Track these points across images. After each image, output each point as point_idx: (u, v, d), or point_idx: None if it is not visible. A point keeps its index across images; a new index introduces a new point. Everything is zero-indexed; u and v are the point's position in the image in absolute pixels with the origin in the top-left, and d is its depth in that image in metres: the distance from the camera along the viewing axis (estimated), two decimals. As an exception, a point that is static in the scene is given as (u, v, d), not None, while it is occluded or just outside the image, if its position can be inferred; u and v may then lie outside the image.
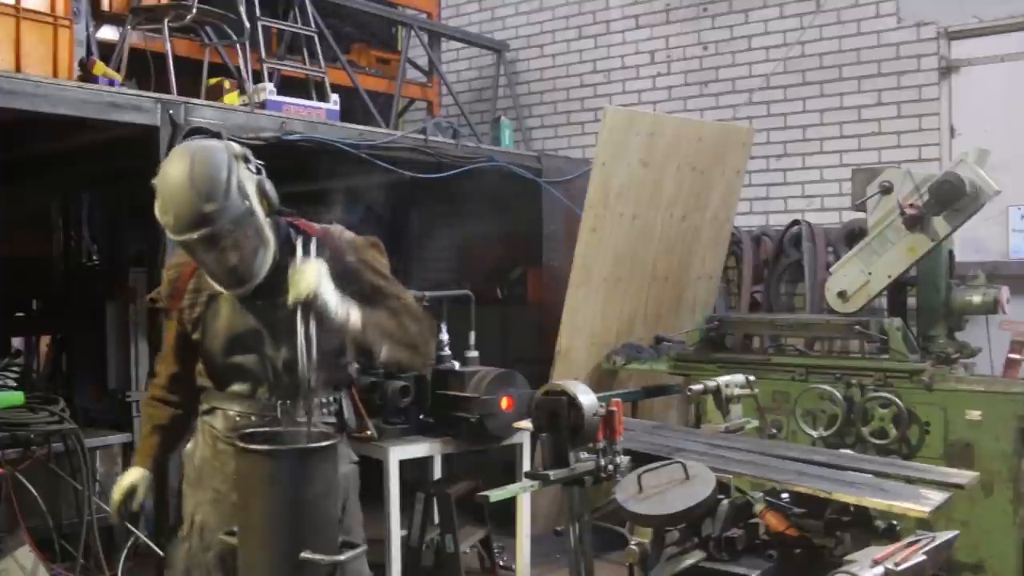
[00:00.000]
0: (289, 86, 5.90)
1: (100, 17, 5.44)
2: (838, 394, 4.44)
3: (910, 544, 2.23)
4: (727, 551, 2.50)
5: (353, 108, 6.32)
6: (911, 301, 4.98)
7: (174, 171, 2.44)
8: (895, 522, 2.54)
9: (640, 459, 2.72)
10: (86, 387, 5.50)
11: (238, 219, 2.47)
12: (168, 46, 5.10)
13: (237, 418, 2.68)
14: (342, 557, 2.13)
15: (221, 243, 2.47)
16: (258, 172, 2.58)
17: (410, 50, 7.48)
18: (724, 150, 6.03)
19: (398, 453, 4.39)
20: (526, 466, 4.67)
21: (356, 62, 7.13)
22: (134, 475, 2.80)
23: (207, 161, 2.45)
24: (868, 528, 2.53)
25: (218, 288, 2.65)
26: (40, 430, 4.14)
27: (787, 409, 4.61)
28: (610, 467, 2.61)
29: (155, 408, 2.88)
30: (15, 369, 5.51)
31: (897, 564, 2.12)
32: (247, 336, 2.69)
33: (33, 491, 4.05)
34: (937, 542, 2.26)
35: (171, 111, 4.22)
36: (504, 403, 4.45)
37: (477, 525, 4.99)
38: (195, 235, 2.43)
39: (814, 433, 4.47)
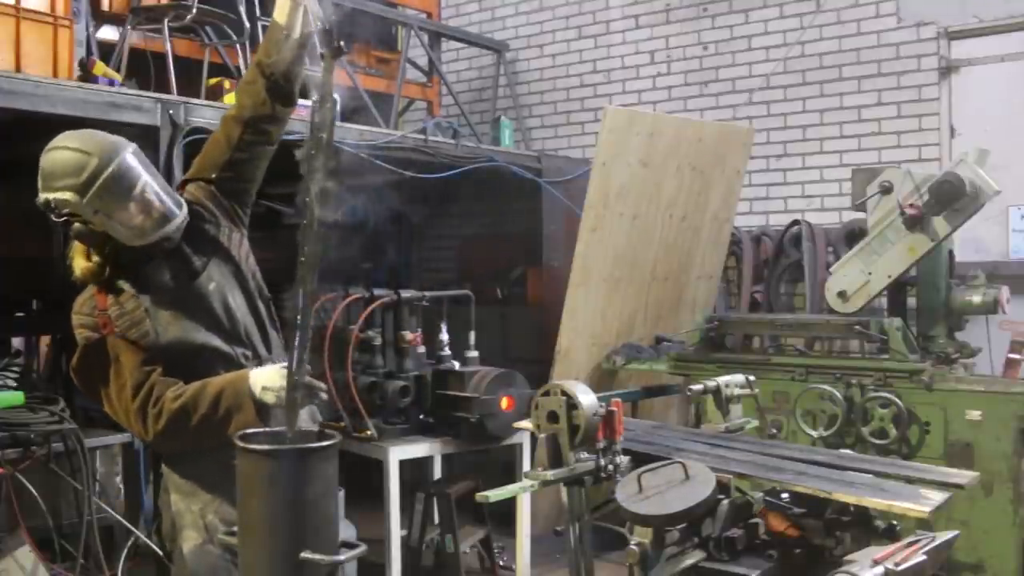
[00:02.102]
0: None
1: (100, 17, 5.43)
2: (838, 394, 4.44)
3: (910, 544, 2.23)
4: (727, 551, 2.50)
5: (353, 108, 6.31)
6: (911, 301, 4.98)
7: (57, 146, 2.60)
8: (895, 522, 2.55)
9: (640, 459, 2.72)
10: (86, 387, 5.49)
11: (126, 162, 2.56)
12: (168, 46, 5.10)
13: None
14: (342, 557, 2.13)
15: (126, 184, 2.53)
16: None
17: (410, 50, 7.48)
18: (724, 150, 6.04)
19: (398, 453, 4.39)
20: (526, 466, 4.67)
21: (356, 62, 7.12)
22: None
23: (74, 136, 2.61)
24: (868, 528, 2.53)
25: (141, 299, 2.62)
26: (40, 430, 4.14)
27: (787, 409, 4.62)
28: (610, 467, 2.61)
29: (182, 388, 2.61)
30: (15, 369, 5.50)
31: (897, 564, 2.12)
32: (202, 318, 2.69)
33: (33, 491, 4.05)
34: (937, 542, 2.26)
35: (171, 111, 4.22)
36: (504, 403, 4.46)
37: (477, 525, 4.99)
38: (122, 152, 2.54)
39: (814, 433, 4.47)
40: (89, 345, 2.62)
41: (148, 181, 2.61)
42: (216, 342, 2.70)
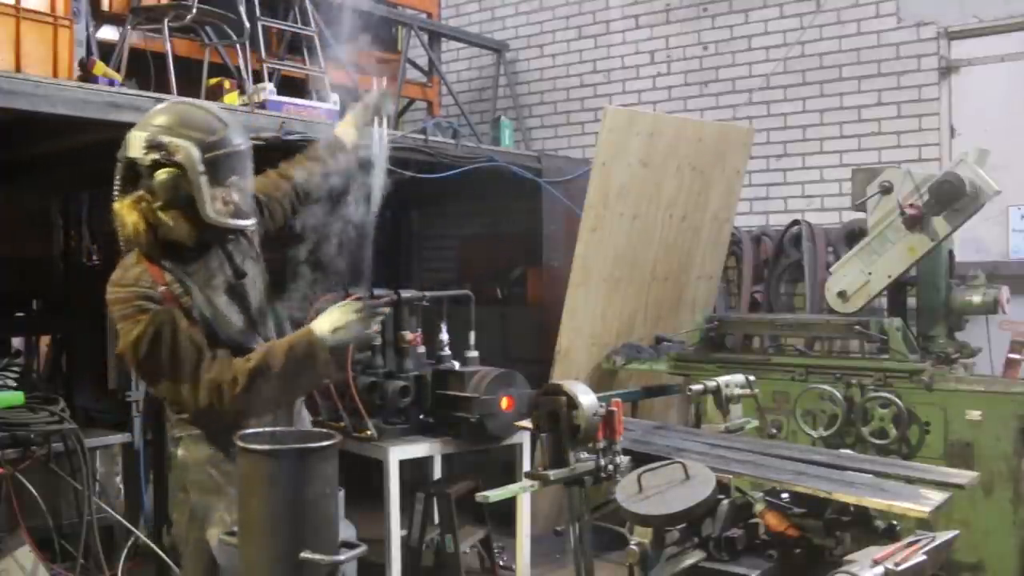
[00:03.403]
0: (289, 86, 5.90)
1: (100, 17, 5.44)
2: (838, 394, 4.44)
3: (910, 544, 2.23)
4: (727, 551, 2.50)
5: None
6: (911, 301, 4.98)
7: (197, 105, 2.80)
8: (895, 522, 2.54)
9: (640, 459, 2.72)
10: (86, 387, 5.49)
11: (248, 151, 2.76)
12: (168, 46, 5.10)
13: None
14: (342, 557, 2.13)
15: (251, 161, 2.71)
16: None
17: (410, 50, 7.48)
18: (724, 150, 6.04)
19: (398, 453, 4.39)
20: (526, 466, 4.67)
21: (356, 62, 7.11)
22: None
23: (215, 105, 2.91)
24: (868, 528, 2.53)
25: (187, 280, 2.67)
26: (40, 430, 4.14)
27: (787, 409, 4.61)
28: (610, 467, 2.61)
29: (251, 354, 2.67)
30: (15, 369, 5.51)
31: (897, 564, 2.12)
32: (234, 315, 2.77)
33: (33, 491, 4.05)
34: (937, 542, 2.26)
35: (171, 111, 4.21)
36: (504, 403, 4.45)
37: (477, 525, 4.99)
38: (248, 143, 2.68)
39: (814, 433, 4.47)
40: (157, 316, 2.57)
41: (251, 178, 2.77)
42: (240, 339, 2.77)
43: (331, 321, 2.65)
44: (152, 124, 2.65)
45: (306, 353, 2.62)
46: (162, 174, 2.60)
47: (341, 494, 4.38)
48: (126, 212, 2.64)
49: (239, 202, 2.70)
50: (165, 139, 2.60)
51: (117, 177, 2.68)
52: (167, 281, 2.64)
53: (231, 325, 2.75)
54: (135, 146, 2.63)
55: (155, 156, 2.59)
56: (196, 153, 2.60)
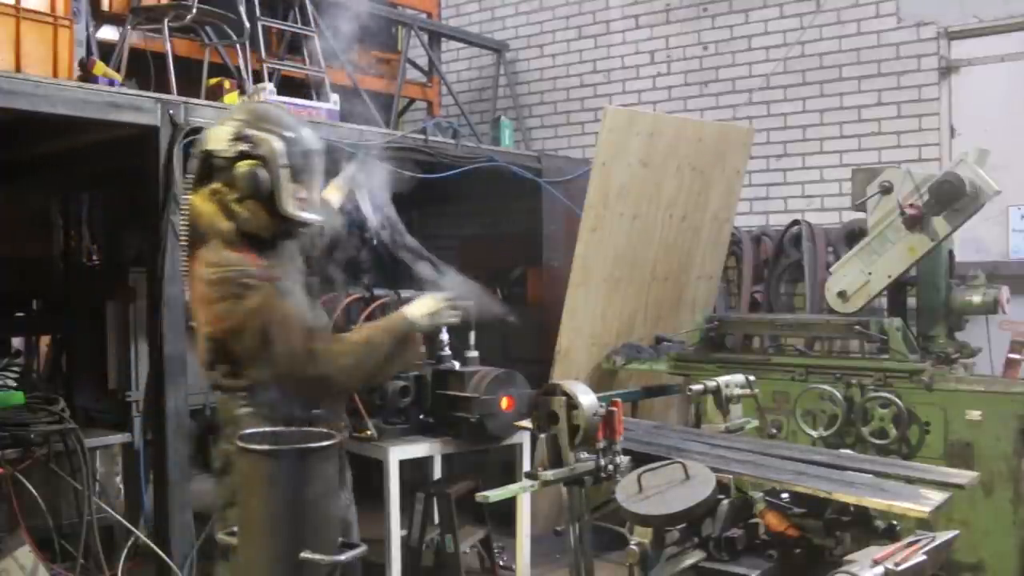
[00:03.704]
0: (289, 86, 5.90)
1: (100, 17, 5.43)
2: (838, 394, 4.44)
3: (910, 544, 2.23)
4: (727, 551, 2.50)
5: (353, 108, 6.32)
6: (911, 301, 4.98)
7: (277, 105, 3.05)
8: (895, 522, 2.54)
9: (640, 459, 2.72)
10: (86, 387, 5.49)
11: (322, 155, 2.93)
12: (168, 46, 5.10)
13: None
14: (342, 557, 2.13)
15: (316, 164, 2.86)
16: None
17: (410, 50, 7.48)
18: (724, 150, 6.03)
19: (398, 453, 4.38)
20: (526, 466, 4.67)
21: (356, 62, 7.12)
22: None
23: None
24: (868, 528, 2.53)
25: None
26: (40, 430, 4.14)
27: (787, 409, 4.61)
28: (610, 467, 2.61)
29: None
30: (15, 369, 5.51)
31: (897, 564, 2.12)
32: (311, 293, 2.97)
33: (33, 491, 4.05)
34: (937, 542, 2.26)
35: (171, 111, 4.22)
36: (504, 403, 4.45)
37: (477, 525, 4.99)
38: (321, 145, 2.85)
39: (814, 433, 4.47)
40: (264, 289, 2.65)
41: (321, 177, 2.92)
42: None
43: (423, 308, 2.88)
44: (237, 119, 2.78)
45: (404, 334, 2.83)
46: (244, 166, 2.71)
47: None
48: (202, 203, 2.75)
49: (311, 198, 2.82)
50: (251, 132, 2.72)
51: (191, 171, 2.80)
52: (262, 264, 2.72)
53: (305, 313, 2.84)
54: (218, 139, 2.75)
55: (240, 148, 2.71)
56: (279, 147, 2.72)
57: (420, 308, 2.89)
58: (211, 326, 2.69)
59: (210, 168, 2.75)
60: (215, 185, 2.74)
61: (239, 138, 2.72)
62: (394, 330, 2.82)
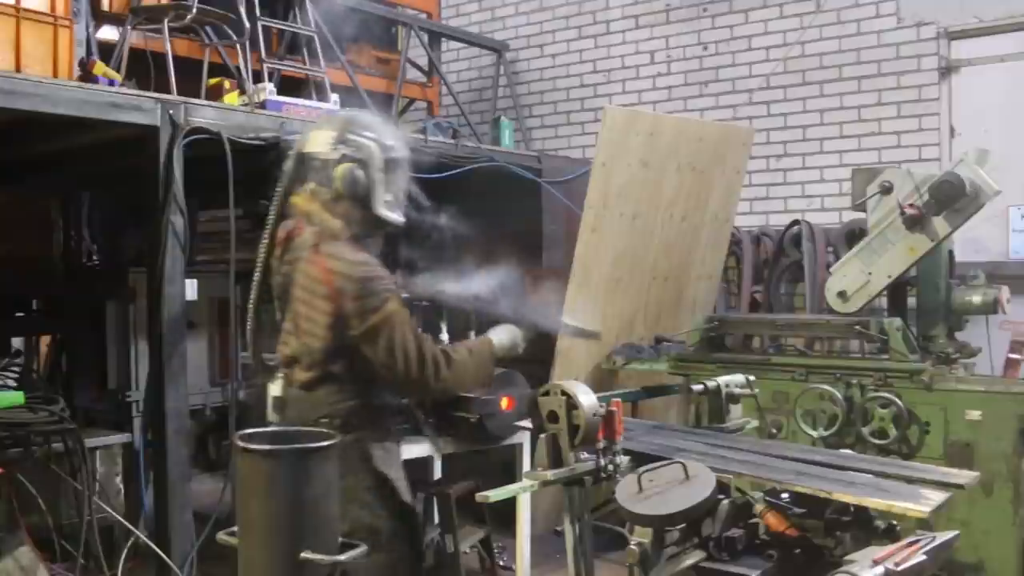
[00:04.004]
0: (289, 86, 5.90)
1: (100, 17, 5.44)
2: (838, 394, 4.44)
3: (910, 544, 2.23)
4: (727, 551, 2.49)
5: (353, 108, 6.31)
6: (911, 301, 4.98)
7: (375, 114, 3.17)
8: (895, 522, 2.54)
9: (640, 459, 2.72)
10: (86, 387, 5.49)
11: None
12: (168, 46, 5.10)
13: None
14: (342, 557, 2.13)
15: (404, 168, 3.05)
16: None
17: (410, 50, 7.48)
18: (724, 150, 6.03)
19: (398, 453, 4.38)
20: (526, 466, 4.67)
21: (356, 62, 7.13)
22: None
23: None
24: (868, 528, 2.53)
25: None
26: (40, 430, 4.14)
27: (787, 409, 4.61)
28: (610, 467, 2.61)
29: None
30: (15, 369, 5.51)
31: (897, 564, 2.12)
32: None
33: (33, 491, 4.05)
34: (937, 542, 2.26)
35: (171, 111, 4.22)
36: (504, 403, 4.45)
37: (477, 525, 4.99)
38: (401, 152, 3.00)
39: (814, 433, 4.47)
40: (398, 295, 2.89)
41: (406, 184, 3.06)
42: None
43: (506, 337, 3.12)
44: (340, 123, 2.96)
45: (489, 356, 3.05)
46: (345, 167, 2.86)
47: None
48: (306, 203, 2.91)
49: (397, 201, 3.00)
50: (352, 137, 2.89)
51: (285, 171, 2.95)
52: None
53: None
54: (320, 141, 2.91)
55: (343, 151, 2.87)
56: (378, 152, 2.89)
57: (504, 337, 3.13)
58: (346, 322, 2.79)
59: (305, 169, 2.91)
60: (312, 186, 2.90)
61: (341, 141, 2.88)
62: (484, 353, 3.04)
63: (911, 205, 4.49)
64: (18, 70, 4.20)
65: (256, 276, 3.00)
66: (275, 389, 2.96)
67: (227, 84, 5.39)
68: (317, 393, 2.86)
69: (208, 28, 5.72)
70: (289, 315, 2.95)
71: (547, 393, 2.67)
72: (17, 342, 6.42)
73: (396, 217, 2.99)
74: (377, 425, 2.94)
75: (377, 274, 2.83)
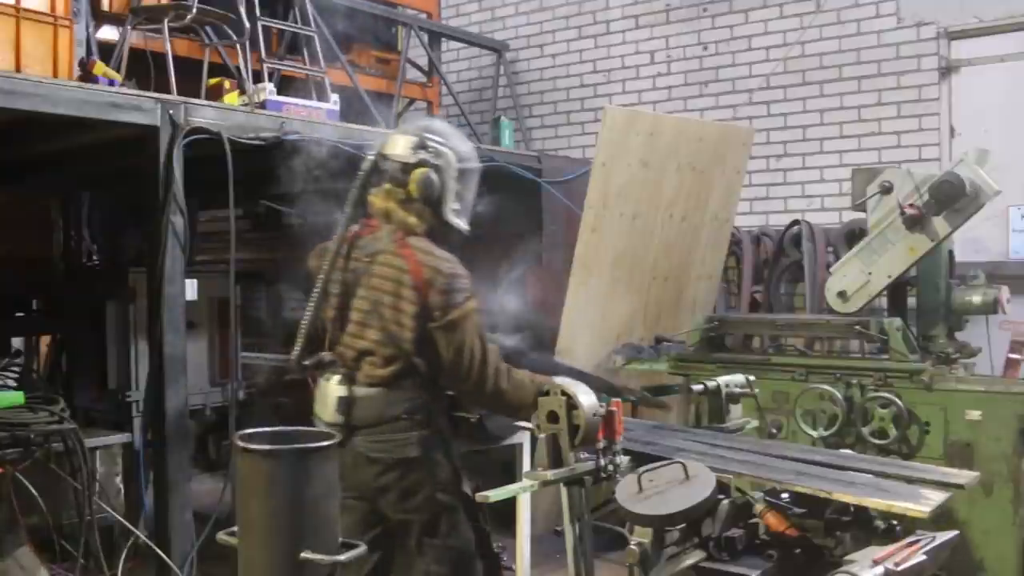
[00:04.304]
0: (289, 86, 5.90)
1: (100, 17, 5.43)
2: (838, 394, 4.44)
3: (910, 544, 2.23)
4: (727, 551, 2.50)
5: (353, 108, 6.32)
6: (911, 301, 4.98)
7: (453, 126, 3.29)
8: (895, 522, 2.54)
9: (640, 459, 2.72)
10: (86, 387, 5.49)
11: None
12: (168, 46, 5.10)
13: None
14: (342, 557, 2.13)
15: (476, 179, 3.23)
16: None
17: (410, 50, 7.48)
18: (724, 150, 6.03)
19: (398, 453, 4.37)
20: (526, 466, 4.66)
21: (356, 62, 7.13)
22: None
23: None
24: (868, 528, 2.53)
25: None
26: (40, 430, 4.13)
27: (787, 409, 4.61)
28: (610, 467, 2.61)
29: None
30: (15, 369, 5.50)
31: (897, 564, 2.12)
32: None
33: (33, 491, 4.04)
34: (937, 542, 2.27)
35: (171, 111, 4.21)
36: (504, 403, 4.44)
37: (477, 525, 4.98)
38: (476, 164, 3.21)
39: (814, 433, 4.47)
40: (477, 302, 2.99)
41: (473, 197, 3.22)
42: None
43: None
44: (421, 130, 3.09)
45: (529, 392, 2.90)
46: (422, 172, 2.99)
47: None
48: (382, 202, 3.05)
49: (464, 209, 3.14)
50: (432, 143, 3.02)
51: (362, 171, 3.08)
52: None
53: None
54: (400, 145, 3.03)
55: (421, 155, 3.00)
56: (455, 161, 3.05)
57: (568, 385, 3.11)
58: (429, 313, 2.87)
59: (382, 171, 3.04)
60: (388, 186, 3.03)
61: (421, 146, 3.01)
62: (531, 384, 2.92)
63: (911, 205, 4.50)
64: (18, 70, 4.20)
65: (321, 278, 3.03)
66: (337, 390, 2.95)
67: (227, 84, 5.39)
68: (397, 388, 2.93)
69: (208, 28, 5.72)
70: (357, 312, 2.99)
71: (547, 393, 2.67)
72: (17, 342, 6.41)
73: (462, 224, 3.12)
74: (444, 418, 3.09)
75: (462, 272, 2.94)
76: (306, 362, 3.02)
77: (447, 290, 2.88)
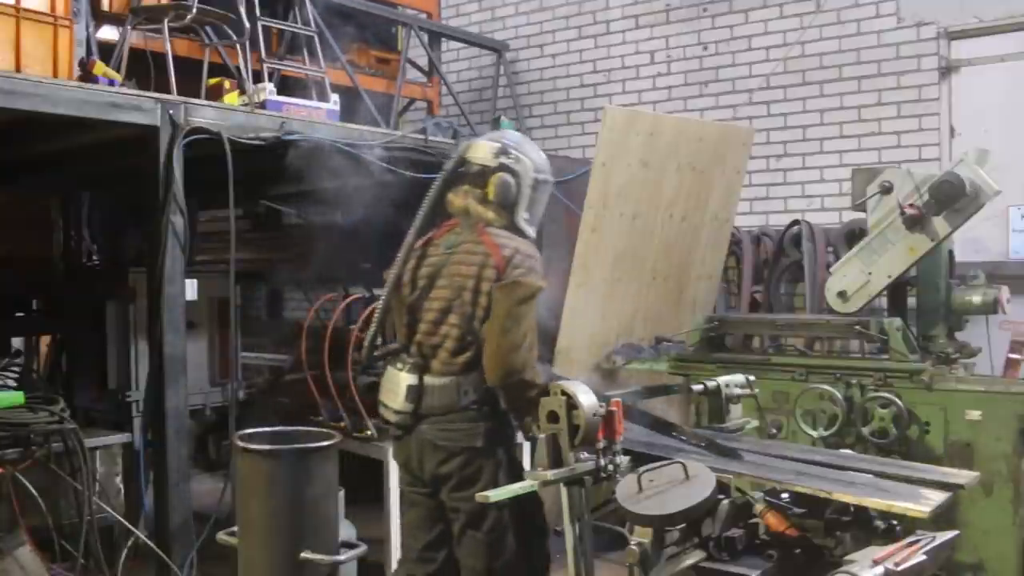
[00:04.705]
0: (289, 86, 5.89)
1: (100, 17, 5.43)
2: (838, 394, 4.44)
3: (910, 544, 2.24)
4: (727, 551, 2.50)
5: (353, 108, 6.32)
6: (911, 301, 4.98)
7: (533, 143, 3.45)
8: (895, 522, 2.54)
9: (640, 459, 2.72)
10: (86, 387, 5.49)
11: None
12: (168, 46, 5.09)
13: None
14: (342, 557, 2.13)
15: (547, 193, 3.41)
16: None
17: (410, 50, 7.48)
18: (724, 150, 6.03)
19: (398, 453, 4.38)
20: (526, 466, 4.66)
21: (356, 62, 7.12)
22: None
23: None
24: (868, 528, 2.53)
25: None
26: (40, 430, 4.13)
27: (787, 409, 4.61)
28: (610, 467, 2.61)
29: None
30: (15, 369, 5.51)
31: (897, 564, 2.12)
32: None
33: (33, 491, 4.05)
34: (937, 542, 2.27)
35: (171, 111, 4.22)
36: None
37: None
38: (550, 179, 3.39)
39: (814, 433, 4.47)
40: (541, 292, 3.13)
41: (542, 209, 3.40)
42: None
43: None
44: (506, 139, 3.34)
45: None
46: (501, 176, 3.21)
47: (341, 494, 4.39)
48: (460, 200, 3.26)
49: (533, 218, 3.32)
50: (514, 151, 3.26)
51: (444, 172, 3.32)
52: None
53: None
54: (484, 149, 3.27)
55: (502, 160, 3.23)
56: (532, 171, 3.27)
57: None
58: (507, 294, 3.02)
59: (462, 173, 3.27)
60: (466, 187, 3.25)
61: (503, 152, 3.24)
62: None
63: (911, 205, 4.50)
64: (18, 70, 4.20)
65: (394, 272, 3.22)
66: (407, 378, 3.04)
67: (227, 84, 5.38)
68: (468, 377, 3.04)
69: (208, 28, 5.72)
70: (436, 302, 3.13)
71: (547, 393, 2.67)
72: (17, 342, 6.42)
73: (531, 231, 3.29)
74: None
75: (539, 257, 3.15)
76: (376, 353, 3.17)
77: (521, 265, 3.06)
